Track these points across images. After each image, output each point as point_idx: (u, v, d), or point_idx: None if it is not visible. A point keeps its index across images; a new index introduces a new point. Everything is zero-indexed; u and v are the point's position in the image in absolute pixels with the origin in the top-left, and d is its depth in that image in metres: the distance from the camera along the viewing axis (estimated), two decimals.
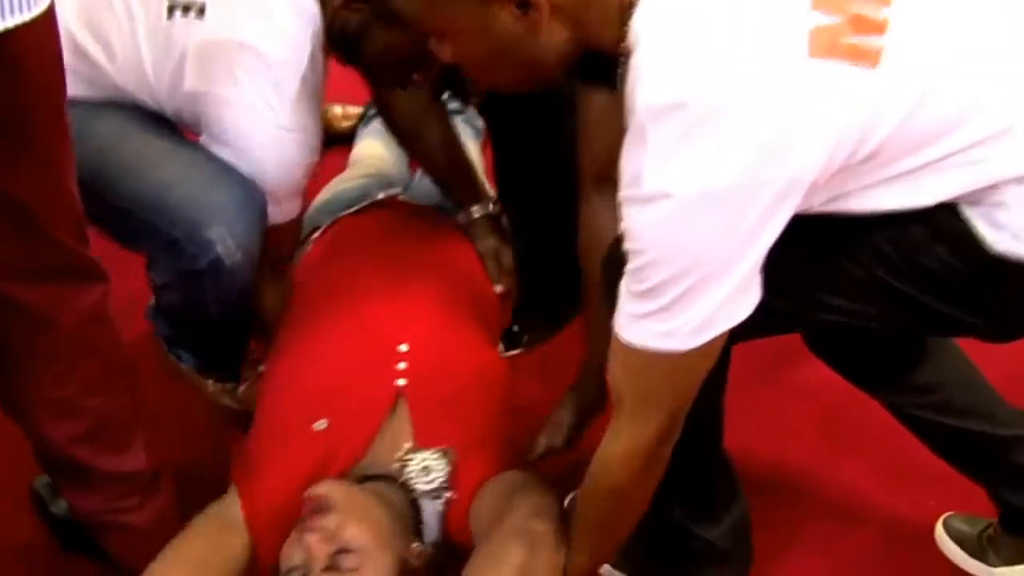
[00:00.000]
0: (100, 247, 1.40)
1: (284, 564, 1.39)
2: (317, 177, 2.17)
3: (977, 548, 1.65)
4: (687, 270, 1.05)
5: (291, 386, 1.59)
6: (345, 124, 2.43)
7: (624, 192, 1.07)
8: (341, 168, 2.21)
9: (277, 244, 1.71)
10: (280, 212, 1.65)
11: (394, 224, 1.84)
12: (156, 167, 1.54)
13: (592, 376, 1.59)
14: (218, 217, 1.50)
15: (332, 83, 2.22)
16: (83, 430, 1.42)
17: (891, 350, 1.50)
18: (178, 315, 1.69)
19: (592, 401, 1.64)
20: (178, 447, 1.76)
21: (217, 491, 1.51)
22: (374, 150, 2.23)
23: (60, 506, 1.60)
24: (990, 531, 1.65)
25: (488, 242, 1.87)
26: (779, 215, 1.05)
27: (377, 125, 2.24)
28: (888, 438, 1.77)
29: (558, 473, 1.73)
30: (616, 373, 1.18)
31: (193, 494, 1.60)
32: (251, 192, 1.57)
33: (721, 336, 1.10)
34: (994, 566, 1.64)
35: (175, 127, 1.64)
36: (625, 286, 1.11)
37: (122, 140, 1.56)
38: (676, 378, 1.15)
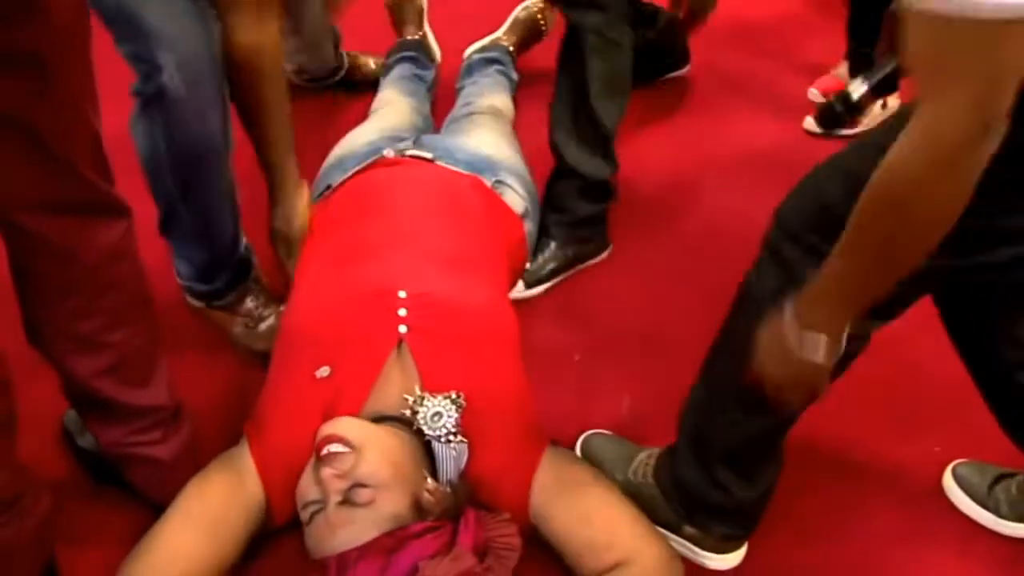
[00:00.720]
0: (129, 185, 1.44)
1: (301, 499, 1.44)
2: (342, 122, 2.22)
3: (986, 497, 1.65)
4: None
5: (294, 336, 1.63)
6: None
7: None
8: (366, 115, 2.24)
9: (258, 63, 1.68)
10: None
11: (400, 178, 1.85)
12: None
13: None
14: (174, 48, 1.58)
15: (366, 34, 2.27)
16: (105, 364, 1.46)
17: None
18: (144, 159, 1.75)
19: None
20: (203, 387, 1.80)
21: (239, 432, 1.56)
22: (392, 98, 2.26)
23: (88, 440, 1.64)
24: (1012, 487, 1.64)
25: None
26: None
27: (396, 73, 2.28)
28: (892, 385, 1.79)
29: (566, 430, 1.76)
30: (913, 53, 1.01)
31: (216, 434, 1.64)
32: (211, 40, 1.63)
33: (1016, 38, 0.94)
34: (1005, 518, 1.64)
35: None
36: None
37: None
38: (979, 53, 0.96)
